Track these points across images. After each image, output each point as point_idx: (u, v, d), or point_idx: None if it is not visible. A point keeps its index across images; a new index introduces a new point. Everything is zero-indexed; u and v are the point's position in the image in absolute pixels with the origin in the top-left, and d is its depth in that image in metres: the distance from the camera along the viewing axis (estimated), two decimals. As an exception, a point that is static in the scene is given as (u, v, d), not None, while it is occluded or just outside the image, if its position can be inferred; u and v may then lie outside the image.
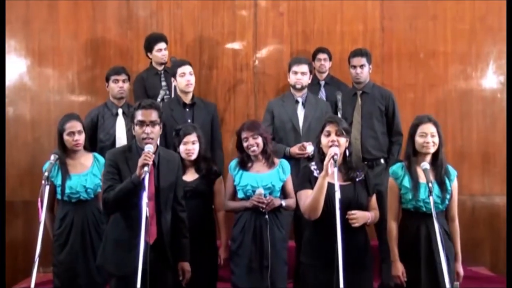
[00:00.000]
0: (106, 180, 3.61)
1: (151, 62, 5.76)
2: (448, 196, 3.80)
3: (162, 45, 5.65)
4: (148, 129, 3.57)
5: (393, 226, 3.89)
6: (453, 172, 3.89)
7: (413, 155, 3.86)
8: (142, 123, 3.58)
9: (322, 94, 5.64)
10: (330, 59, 5.85)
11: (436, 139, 3.80)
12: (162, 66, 5.64)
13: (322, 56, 5.78)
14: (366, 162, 5.03)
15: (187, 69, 4.98)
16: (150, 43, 5.70)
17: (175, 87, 5.17)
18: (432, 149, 3.80)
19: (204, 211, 4.27)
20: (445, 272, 3.38)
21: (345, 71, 6.08)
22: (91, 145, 4.80)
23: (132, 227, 3.40)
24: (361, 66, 5.20)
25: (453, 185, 3.86)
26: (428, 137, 3.79)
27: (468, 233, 5.89)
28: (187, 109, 5.01)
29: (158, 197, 3.63)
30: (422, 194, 3.76)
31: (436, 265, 3.66)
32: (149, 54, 5.72)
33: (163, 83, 5.57)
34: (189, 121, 4.93)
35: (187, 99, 5.02)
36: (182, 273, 3.82)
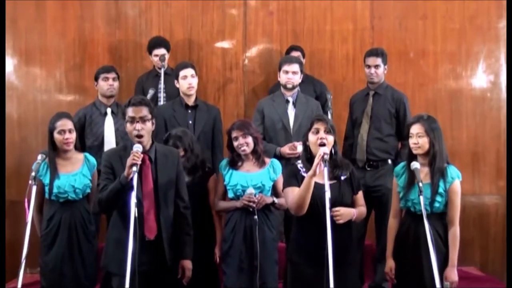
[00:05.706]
0: (101, 180, 3.63)
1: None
2: (440, 199, 3.72)
3: (160, 51, 5.59)
4: (138, 126, 3.56)
5: (391, 223, 3.92)
6: (453, 173, 3.78)
7: (411, 155, 3.83)
8: (132, 120, 3.58)
9: None
10: (304, 56, 5.79)
11: (423, 140, 3.73)
12: (162, 69, 5.54)
13: (295, 54, 5.70)
14: (371, 163, 5.02)
15: (188, 71, 4.98)
16: (149, 47, 5.68)
17: (163, 89, 5.20)
18: (418, 151, 3.75)
19: (199, 209, 4.21)
20: (436, 276, 3.34)
21: (335, 70, 6.13)
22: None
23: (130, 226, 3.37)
24: (376, 66, 5.06)
25: (451, 187, 3.74)
26: (414, 138, 3.76)
27: (458, 233, 5.91)
28: (189, 111, 5.01)
29: (156, 193, 3.61)
30: (412, 194, 3.72)
31: (422, 267, 3.64)
32: (150, 56, 5.70)
33: (160, 85, 5.47)
34: (190, 122, 4.95)
35: (190, 101, 5.02)
36: (182, 271, 3.75)
